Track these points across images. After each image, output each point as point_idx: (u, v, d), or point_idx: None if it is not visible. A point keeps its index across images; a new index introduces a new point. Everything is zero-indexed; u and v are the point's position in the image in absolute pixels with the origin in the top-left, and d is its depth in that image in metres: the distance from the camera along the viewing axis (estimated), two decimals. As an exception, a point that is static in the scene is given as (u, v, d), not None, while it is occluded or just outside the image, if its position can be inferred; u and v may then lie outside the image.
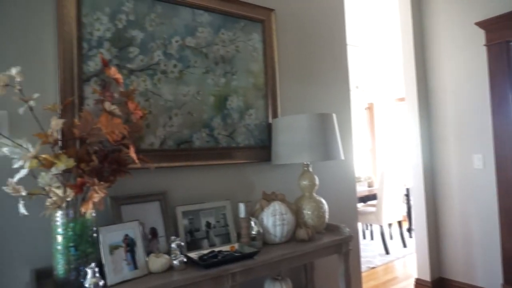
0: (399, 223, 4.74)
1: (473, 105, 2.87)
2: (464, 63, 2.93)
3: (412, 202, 3.33)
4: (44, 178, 1.15)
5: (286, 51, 2.10)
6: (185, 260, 1.32)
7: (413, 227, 5.03)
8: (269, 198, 1.68)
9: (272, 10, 2.00)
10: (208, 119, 1.75)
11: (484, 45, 2.73)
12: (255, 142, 1.90)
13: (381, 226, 4.43)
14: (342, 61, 2.39)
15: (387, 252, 4.38)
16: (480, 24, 2.72)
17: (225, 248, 1.51)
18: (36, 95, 1.20)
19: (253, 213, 1.67)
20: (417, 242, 3.18)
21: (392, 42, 5.27)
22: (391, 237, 5.10)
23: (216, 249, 1.49)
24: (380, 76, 6.60)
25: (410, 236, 5.11)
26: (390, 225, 4.97)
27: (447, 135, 3.07)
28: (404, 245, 4.64)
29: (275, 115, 1.96)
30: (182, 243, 1.38)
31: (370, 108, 6.86)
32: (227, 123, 1.81)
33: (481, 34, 2.79)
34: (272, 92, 1.97)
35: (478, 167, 2.84)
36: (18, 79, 1.14)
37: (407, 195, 5.15)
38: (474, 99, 2.87)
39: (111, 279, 1.18)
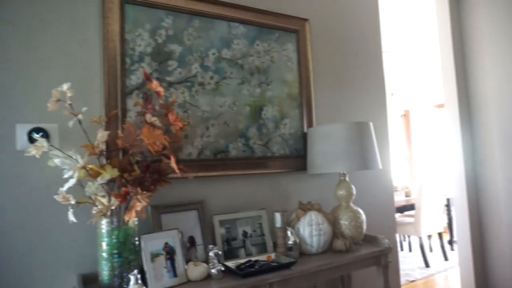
0: (440, 234, 4.53)
1: (519, 111, 2.72)
2: (509, 66, 2.79)
3: (453, 213, 3.18)
4: (91, 187, 1.21)
5: (320, 60, 2.10)
6: (222, 269, 1.33)
7: (455, 239, 4.79)
8: (305, 207, 1.67)
9: (306, 20, 2.01)
10: (243, 129, 1.77)
11: (531, 47, 2.59)
12: (290, 151, 1.90)
13: (420, 238, 4.25)
14: (377, 68, 2.35)
15: (427, 265, 4.19)
16: (525, 26, 2.58)
17: (262, 257, 1.51)
18: (84, 109, 1.27)
19: (289, 223, 1.66)
20: (460, 255, 3.03)
21: (429, 46, 5.11)
22: (430, 249, 4.88)
23: (253, 258, 1.49)
24: (416, 82, 6.41)
25: (452, 249, 4.87)
26: (429, 236, 4.76)
27: (492, 143, 2.92)
28: (446, 258, 4.42)
29: (310, 124, 1.96)
30: (220, 252, 1.39)
31: (406, 115, 6.66)
32: (263, 132, 1.82)
33: (527, 36, 2.65)
34: (307, 101, 1.97)
35: (526, 176, 2.68)
36: (68, 94, 1.21)
37: (448, 206, 4.92)
38: (520, 105, 2.71)
39: (153, 286, 1.21)
